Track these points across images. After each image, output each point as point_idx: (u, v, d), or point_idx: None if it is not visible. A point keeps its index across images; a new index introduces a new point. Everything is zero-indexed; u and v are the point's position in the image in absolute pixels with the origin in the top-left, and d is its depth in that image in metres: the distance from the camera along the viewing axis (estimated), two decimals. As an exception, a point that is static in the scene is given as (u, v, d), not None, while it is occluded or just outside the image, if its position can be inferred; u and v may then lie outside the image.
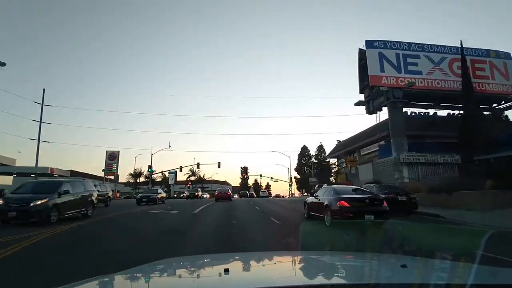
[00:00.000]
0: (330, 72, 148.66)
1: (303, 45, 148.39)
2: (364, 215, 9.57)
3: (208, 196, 64.46)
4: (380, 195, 12.67)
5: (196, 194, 43.82)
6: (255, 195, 73.12)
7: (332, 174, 67.33)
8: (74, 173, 63.71)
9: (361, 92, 28.13)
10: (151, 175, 66.93)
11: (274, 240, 8.05)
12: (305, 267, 2.06)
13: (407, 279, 1.52)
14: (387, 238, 7.71)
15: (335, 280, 1.61)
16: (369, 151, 30.72)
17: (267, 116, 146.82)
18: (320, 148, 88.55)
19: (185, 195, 47.26)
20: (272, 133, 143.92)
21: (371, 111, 27.06)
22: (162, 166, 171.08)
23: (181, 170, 64.25)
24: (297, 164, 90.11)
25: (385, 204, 10.30)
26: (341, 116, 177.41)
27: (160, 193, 26.57)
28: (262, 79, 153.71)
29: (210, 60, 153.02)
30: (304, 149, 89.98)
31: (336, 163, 35.98)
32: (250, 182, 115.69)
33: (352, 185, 27.54)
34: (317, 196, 12.06)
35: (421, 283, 1.33)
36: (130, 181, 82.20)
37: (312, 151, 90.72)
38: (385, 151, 26.41)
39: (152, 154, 61.45)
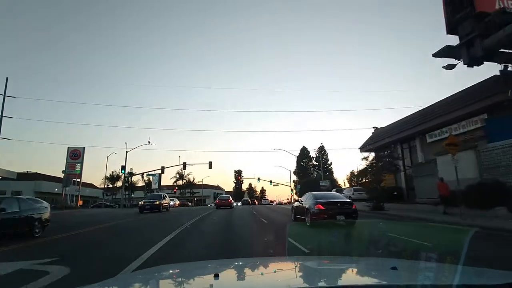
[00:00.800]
0: (332, 63, 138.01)
1: (306, 32, 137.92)
2: (336, 216, 11.27)
3: (177, 203, 49.79)
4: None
5: (157, 203, 24.87)
6: (256, 203, 69.42)
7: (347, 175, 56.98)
8: (23, 176, 51.54)
9: (451, 32, 16.58)
10: (125, 178, 54.44)
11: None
12: (298, 272, 2.03)
13: (397, 281, 1.52)
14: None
15: (327, 283, 1.61)
16: (457, 132, 19.02)
17: (263, 110, 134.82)
18: (321, 150, 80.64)
19: (141, 203, 26.57)
20: (271, 130, 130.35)
21: (475, 59, 15.52)
22: (145, 167, 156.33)
23: (163, 172, 51.91)
24: (296, 167, 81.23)
25: (354, 206, 11.92)
26: (342, 112, 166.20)
27: (14, 212, 9.25)
28: (255, 69, 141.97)
29: (197, 46, 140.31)
30: (304, 151, 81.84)
31: (373, 158, 24.41)
32: (244, 186, 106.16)
33: (447, 187, 15.82)
34: (301, 201, 13.75)
35: (409, 284, 1.37)
36: (109, 185, 70.88)
37: (312, 153, 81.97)
38: (503, 129, 14.96)
39: (127, 152, 49.12)
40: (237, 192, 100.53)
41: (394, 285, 1.44)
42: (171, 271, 2.14)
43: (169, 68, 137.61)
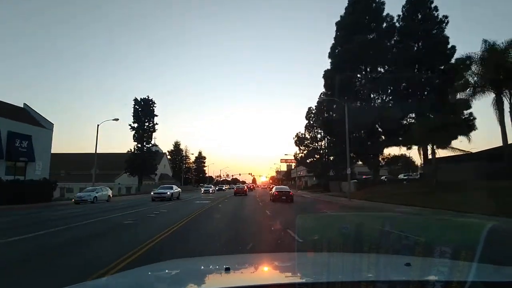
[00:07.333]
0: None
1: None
2: (282, 197, 23.93)
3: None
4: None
5: None
6: (254, 186, 76.13)
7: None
8: None
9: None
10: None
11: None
12: (311, 267, 2.08)
13: (412, 276, 1.53)
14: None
15: (344, 277, 1.57)
16: None
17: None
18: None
19: None
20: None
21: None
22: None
23: None
24: (307, 123, 47.39)
25: (291, 193, 25.16)
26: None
27: None
28: None
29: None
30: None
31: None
32: (189, 159, 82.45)
33: None
34: (272, 190, 28.72)
35: (426, 279, 1.46)
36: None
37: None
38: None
39: None
40: (174, 167, 74.72)
41: (414, 281, 1.41)
42: (181, 265, 2.26)
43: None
